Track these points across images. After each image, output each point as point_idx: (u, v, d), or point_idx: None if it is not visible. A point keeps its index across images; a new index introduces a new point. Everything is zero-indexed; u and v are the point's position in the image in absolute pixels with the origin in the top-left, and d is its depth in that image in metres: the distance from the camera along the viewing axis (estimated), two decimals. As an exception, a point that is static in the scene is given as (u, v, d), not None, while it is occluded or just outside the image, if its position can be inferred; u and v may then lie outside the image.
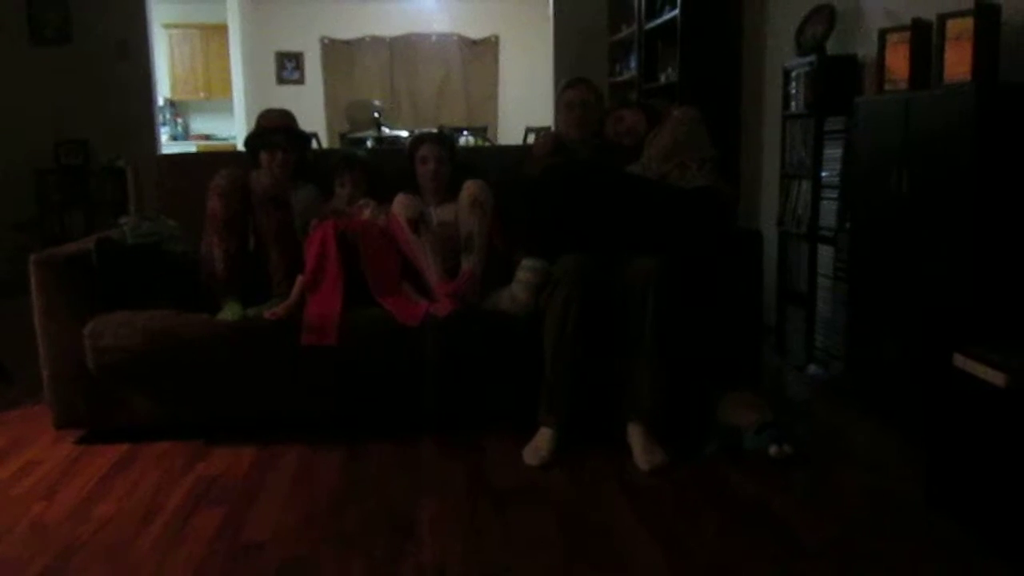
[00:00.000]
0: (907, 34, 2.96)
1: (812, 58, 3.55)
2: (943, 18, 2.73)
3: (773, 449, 2.65)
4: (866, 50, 3.41)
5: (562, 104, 3.33)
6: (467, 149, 6.17)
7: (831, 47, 3.58)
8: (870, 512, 2.35)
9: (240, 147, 3.48)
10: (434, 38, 10.33)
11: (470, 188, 3.05)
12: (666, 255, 2.78)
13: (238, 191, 2.99)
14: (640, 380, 2.73)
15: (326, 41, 10.21)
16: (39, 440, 2.94)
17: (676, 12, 4.64)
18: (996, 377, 2.09)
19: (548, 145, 3.32)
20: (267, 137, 3.24)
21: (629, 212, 2.89)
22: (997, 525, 2.10)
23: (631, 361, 2.74)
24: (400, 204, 3.04)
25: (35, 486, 2.58)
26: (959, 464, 2.26)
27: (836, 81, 3.47)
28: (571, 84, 3.35)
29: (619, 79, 6.03)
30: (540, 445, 2.71)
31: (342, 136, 7.96)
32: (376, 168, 3.37)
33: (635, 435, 2.70)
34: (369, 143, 6.97)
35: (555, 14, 6.46)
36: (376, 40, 10.27)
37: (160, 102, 7.56)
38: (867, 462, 2.70)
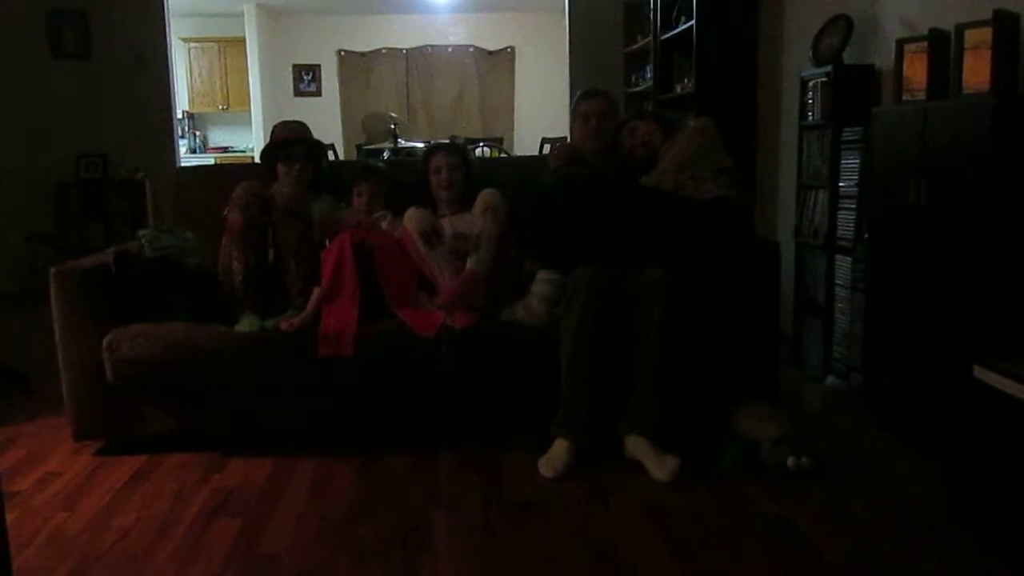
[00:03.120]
0: (925, 44, 2.94)
1: (829, 68, 3.54)
2: (961, 28, 2.71)
3: (791, 461, 2.62)
4: (883, 60, 3.40)
5: (577, 116, 3.32)
6: (483, 160, 6.20)
7: (848, 57, 3.57)
8: (889, 526, 2.32)
9: (258, 159, 3.51)
10: (450, 50, 10.38)
11: (484, 196, 3.06)
12: (676, 266, 2.77)
13: (258, 203, 3.01)
14: (643, 392, 2.71)
15: (343, 53, 10.29)
16: (59, 451, 2.97)
17: (692, 23, 4.64)
18: (1017, 389, 2.07)
19: (563, 156, 3.32)
20: (286, 150, 3.25)
21: (643, 223, 2.88)
22: (1018, 539, 2.07)
23: (634, 372, 2.74)
24: (411, 219, 3.05)
25: (55, 497, 2.60)
26: (979, 477, 2.24)
27: (853, 91, 3.46)
28: (586, 95, 3.35)
29: (635, 90, 6.04)
30: (556, 457, 2.70)
31: (359, 148, 8.01)
32: (393, 179, 3.38)
33: (640, 447, 2.69)
34: (385, 154, 7.00)
35: (571, 25, 6.48)
36: (392, 52, 10.34)
37: (178, 115, 7.64)
38: (886, 475, 2.68)
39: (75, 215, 6.03)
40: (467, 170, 3.29)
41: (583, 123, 3.30)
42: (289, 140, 3.29)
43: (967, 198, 2.58)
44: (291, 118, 3.59)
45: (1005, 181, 2.45)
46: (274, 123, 3.52)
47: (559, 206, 2.95)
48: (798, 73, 3.86)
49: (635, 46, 6.04)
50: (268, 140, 3.38)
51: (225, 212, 3.07)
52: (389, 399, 2.94)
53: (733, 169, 3.11)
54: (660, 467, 2.62)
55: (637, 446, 2.70)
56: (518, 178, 3.34)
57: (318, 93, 10.30)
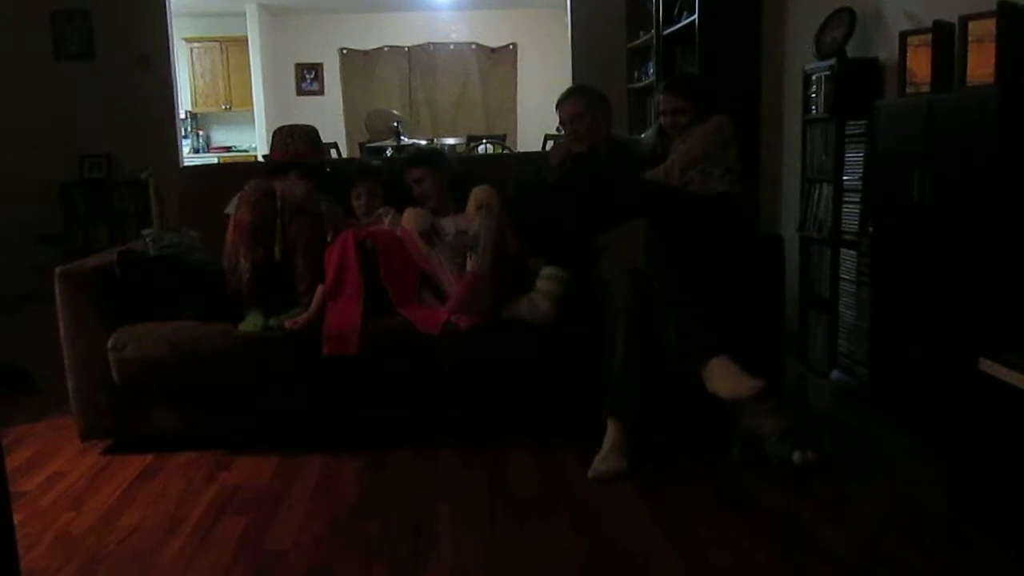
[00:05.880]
0: (928, 36, 2.94)
1: (832, 61, 3.53)
2: (965, 20, 2.70)
3: (796, 456, 2.62)
4: (887, 53, 3.39)
5: (559, 122, 3.34)
6: (486, 157, 6.19)
7: (851, 50, 3.55)
8: (895, 519, 2.32)
9: (260, 157, 3.49)
10: (452, 47, 10.37)
11: (477, 194, 3.06)
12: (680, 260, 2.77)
13: (268, 201, 3.02)
14: (618, 379, 2.70)
15: (345, 52, 10.29)
16: (65, 451, 2.98)
17: (694, 17, 4.63)
18: (1022, 381, 2.06)
19: (562, 153, 3.32)
20: (308, 166, 3.25)
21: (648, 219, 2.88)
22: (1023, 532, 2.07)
23: (608, 359, 2.73)
24: (410, 219, 3.05)
25: (62, 496, 2.61)
26: (985, 470, 2.23)
27: (857, 84, 3.44)
28: (559, 102, 3.35)
29: (638, 85, 6.03)
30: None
31: (361, 146, 8.00)
32: (394, 177, 3.38)
33: (608, 435, 2.69)
34: (388, 152, 7.00)
35: (573, 22, 6.47)
36: (394, 50, 10.33)
37: (181, 115, 7.64)
38: (892, 468, 2.68)
39: (80, 215, 6.03)
40: (440, 175, 3.27)
41: (564, 129, 3.33)
42: (294, 163, 3.27)
43: (972, 190, 2.57)
44: (295, 117, 3.57)
45: (1010, 173, 2.44)
46: (277, 122, 3.49)
47: (564, 202, 2.95)
48: (801, 67, 3.85)
49: (637, 42, 6.02)
50: (277, 141, 3.33)
51: (227, 210, 3.07)
52: (394, 396, 2.94)
53: (741, 169, 3.11)
54: (599, 463, 2.62)
55: (610, 432, 2.68)
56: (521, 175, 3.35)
57: (320, 92, 10.30)
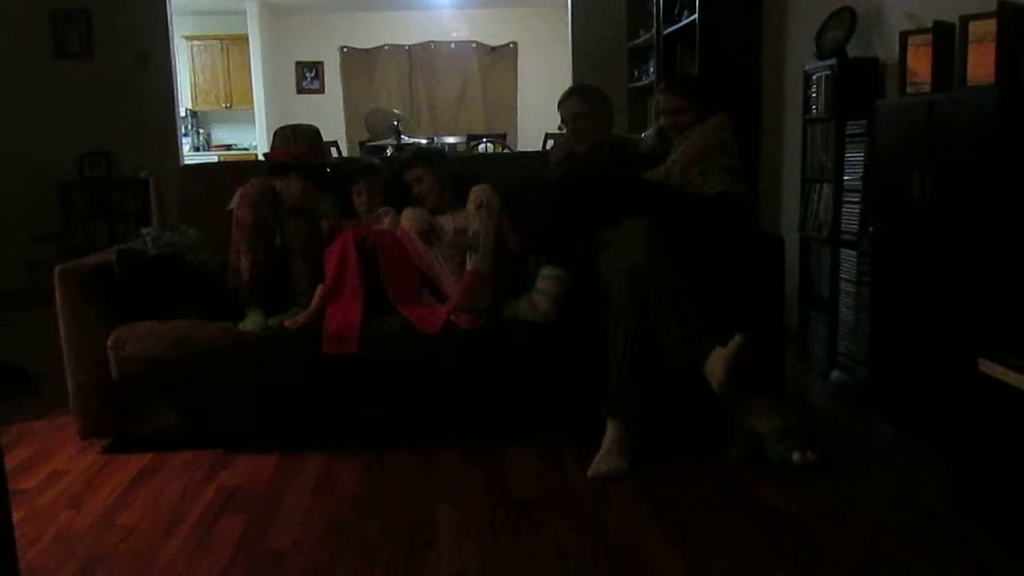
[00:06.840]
0: (929, 36, 2.93)
1: (833, 61, 3.53)
2: (965, 20, 2.70)
3: (796, 455, 2.62)
4: (887, 53, 3.39)
5: (561, 120, 3.34)
6: (486, 156, 6.19)
7: (852, 50, 3.55)
8: (895, 519, 2.32)
9: (260, 155, 3.48)
10: (453, 46, 10.37)
11: (476, 193, 3.05)
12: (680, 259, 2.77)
13: (267, 200, 3.02)
14: (618, 378, 2.70)
15: (345, 50, 10.29)
16: (65, 449, 2.98)
17: (695, 17, 4.63)
18: (1022, 382, 2.06)
19: (564, 151, 3.32)
20: (310, 168, 3.25)
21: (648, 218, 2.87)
22: (1026, 533, 2.07)
23: (607, 358, 2.73)
24: (408, 219, 3.05)
25: (61, 495, 2.61)
26: (985, 471, 2.23)
27: (857, 84, 3.44)
28: (561, 100, 3.33)
29: (638, 84, 6.03)
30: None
31: (362, 144, 8.00)
32: (394, 176, 3.38)
33: (608, 434, 2.69)
34: (389, 151, 7.00)
35: (573, 20, 6.47)
36: (395, 48, 10.33)
37: (182, 113, 7.64)
38: (892, 468, 2.68)
39: (80, 214, 6.04)
40: (439, 174, 3.26)
41: (565, 127, 3.31)
42: (312, 163, 3.26)
43: (972, 190, 2.57)
44: (295, 119, 3.56)
45: (1010, 173, 2.44)
46: (277, 121, 3.49)
47: (565, 201, 2.94)
48: (802, 66, 3.85)
49: (638, 40, 6.02)
50: (279, 141, 3.31)
51: (228, 207, 3.07)
52: (393, 396, 2.94)
53: (741, 168, 3.11)
54: (597, 462, 2.63)
55: (609, 431, 2.69)
56: (523, 174, 3.34)
57: (321, 90, 10.31)
